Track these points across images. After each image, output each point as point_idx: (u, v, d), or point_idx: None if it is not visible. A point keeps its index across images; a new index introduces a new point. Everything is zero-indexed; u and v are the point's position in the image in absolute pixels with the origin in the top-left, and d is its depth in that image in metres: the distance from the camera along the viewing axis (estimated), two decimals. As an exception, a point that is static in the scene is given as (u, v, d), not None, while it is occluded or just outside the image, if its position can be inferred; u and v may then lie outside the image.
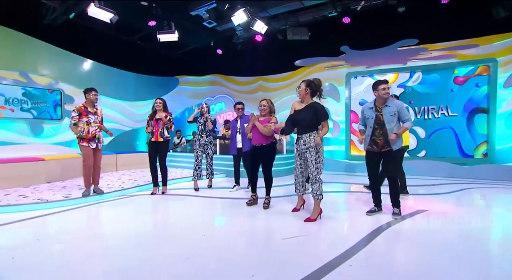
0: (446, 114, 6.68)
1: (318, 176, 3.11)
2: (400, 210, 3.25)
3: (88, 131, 4.08)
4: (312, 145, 3.08)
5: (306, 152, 3.14)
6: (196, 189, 4.86)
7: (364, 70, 7.61)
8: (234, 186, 4.89)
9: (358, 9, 6.75)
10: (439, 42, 6.70)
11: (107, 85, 7.88)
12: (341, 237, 2.70)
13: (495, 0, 5.74)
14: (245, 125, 4.09)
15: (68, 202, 3.89)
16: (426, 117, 6.89)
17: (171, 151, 8.10)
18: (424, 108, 6.89)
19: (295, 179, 3.39)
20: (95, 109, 4.22)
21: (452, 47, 6.61)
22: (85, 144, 4.10)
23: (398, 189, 3.35)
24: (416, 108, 6.99)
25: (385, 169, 3.36)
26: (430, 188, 5.11)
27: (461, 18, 6.13)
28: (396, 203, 3.27)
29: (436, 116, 6.79)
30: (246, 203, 3.82)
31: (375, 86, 3.23)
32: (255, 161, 3.74)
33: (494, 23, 5.92)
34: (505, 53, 6.09)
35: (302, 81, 3.25)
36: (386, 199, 3.36)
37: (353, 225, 3.14)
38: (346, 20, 6.69)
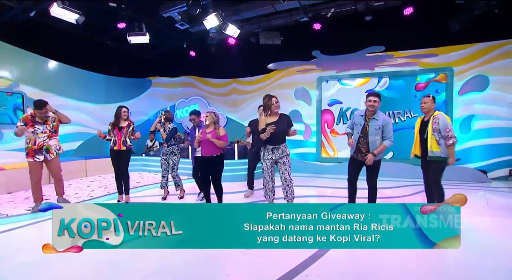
0: (411, 117, 7.11)
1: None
2: None
3: (35, 142, 3.84)
4: (288, 153, 3.55)
5: (282, 158, 3.52)
6: (164, 198, 4.79)
7: (334, 75, 7.87)
8: (199, 193, 4.77)
9: (329, 15, 6.94)
10: (403, 50, 7.08)
11: (74, 87, 7.55)
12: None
13: (451, 14, 6.15)
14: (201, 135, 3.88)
15: (31, 216, 3.76)
16: (393, 121, 7.26)
17: (143, 155, 7.97)
18: (389, 112, 7.26)
19: (266, 186, 3.58)
20: (44, 119, 3.95)
21: (415, 55, 7.02)
22: (30, 159, 3.87)
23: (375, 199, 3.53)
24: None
25: (367, 178, 3.49)
26: (399, 190, 5.43)
27: (422, 28, 6.49)
28: None
29: (402, 119, 7.21)
30: None
31: (366, 96, 3.46)
32: (206, 171, 3.87)
33: (451, 35, 6.34)
34: (460, 63, 6.57)
35: (273, 97, 3.56)
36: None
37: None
38: (317, 26, 6.88)
